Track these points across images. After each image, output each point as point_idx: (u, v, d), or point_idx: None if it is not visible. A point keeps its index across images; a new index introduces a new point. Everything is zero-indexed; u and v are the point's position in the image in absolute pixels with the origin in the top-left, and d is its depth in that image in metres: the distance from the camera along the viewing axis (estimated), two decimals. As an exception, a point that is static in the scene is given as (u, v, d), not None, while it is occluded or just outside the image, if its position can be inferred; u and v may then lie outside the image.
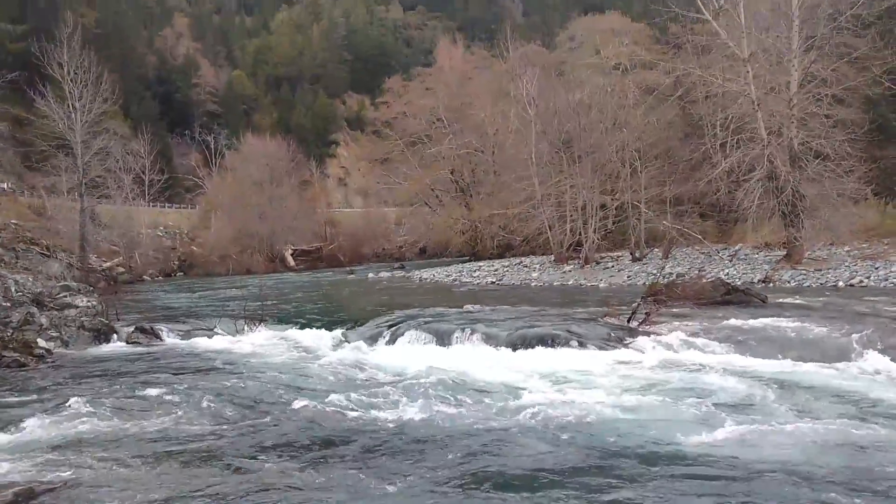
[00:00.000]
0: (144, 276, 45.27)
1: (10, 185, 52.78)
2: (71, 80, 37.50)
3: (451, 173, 47.44)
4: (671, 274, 24.77)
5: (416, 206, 51.89)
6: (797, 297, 18.66)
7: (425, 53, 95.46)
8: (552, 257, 33.92)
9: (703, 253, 30.16)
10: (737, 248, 29.81)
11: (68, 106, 37.78)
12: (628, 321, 15.60)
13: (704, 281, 19.01)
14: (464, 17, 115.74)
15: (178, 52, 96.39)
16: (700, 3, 26.94)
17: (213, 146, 72.31)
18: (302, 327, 18.20)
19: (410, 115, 50.97)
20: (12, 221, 37.31)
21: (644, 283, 24.17)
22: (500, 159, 43.18)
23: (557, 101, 34.16)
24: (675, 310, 16.28)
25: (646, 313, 15.57)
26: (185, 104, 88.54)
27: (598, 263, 31.24)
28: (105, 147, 40.95)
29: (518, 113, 38.12)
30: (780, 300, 17.91)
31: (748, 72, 25.08)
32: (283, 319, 19.80)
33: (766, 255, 27.41)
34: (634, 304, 16.21)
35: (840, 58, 25.26)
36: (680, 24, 34.50)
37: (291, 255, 55.87)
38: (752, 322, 14.43)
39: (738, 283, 21.28)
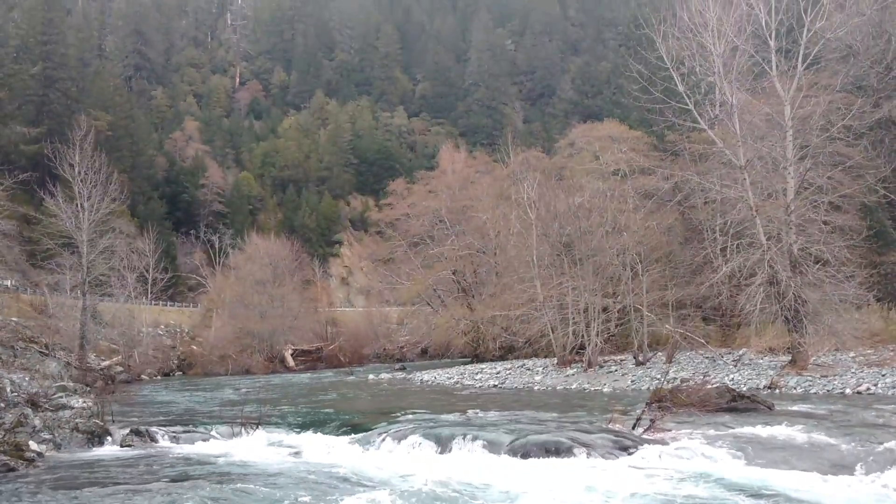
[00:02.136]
0: (143, 375, 44.70)
1: (13, 283, 52.97)
2: (81, 181, 38.29)
3: (454, 274, 47.62)
4: (675, 379, 24.44)
5: (417, 305, 51.80)
6: (804, 404, 18.35)
7: (428, 157, 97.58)
8: (555, 360, 33.59)
9: (706, 357, 29.86)
10: (741, 352, 29.53)
11: (76, 205, 38.43)
12: (633, 428, 15.29)
13: (709, 387, 18.74)
14: (466, 124, 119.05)
15: (187, 154, 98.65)
16: (696, 113, 27.77)
17: (217, 245, 72.98)
18: (299, 431, 17.84)
19: (413, 216, 51.63)
20: (12, 319, 37.21)
21: (648, 388, 23.85)
22: (502, 260, 43.45)
23: (558, 204, 34.69)
24: (680, 416, 15.99)
25: (651, 420, 15.28)
26: (191, 204, 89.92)
27: (601, 367, 30.91)
28: (110, 246, 41.39)
29: (519, 216, 38.63)
30: (787, 407, 17.61)
31: (745, 179, 25.58)
32: (280, 423, 19.43)
33: (771, 361, 27.12)
34: (639, 411, 15.94)
35: (834, 166, 25.84)
36: (677, 133, 35.48)
37: (291, 355, 55.35)
38: (759, 431, 14.14)
39: (744, 388, 20.99)
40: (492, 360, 40.51)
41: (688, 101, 27.61)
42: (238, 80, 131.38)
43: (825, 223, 24.99)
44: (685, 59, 28.69)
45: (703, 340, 31.06)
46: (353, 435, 16.75)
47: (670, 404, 16.46)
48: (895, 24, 30.87)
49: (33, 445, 15.54)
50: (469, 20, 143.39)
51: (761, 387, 22.76)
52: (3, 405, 16.71)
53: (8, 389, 18.02)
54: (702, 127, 28.17)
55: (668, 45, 28.18)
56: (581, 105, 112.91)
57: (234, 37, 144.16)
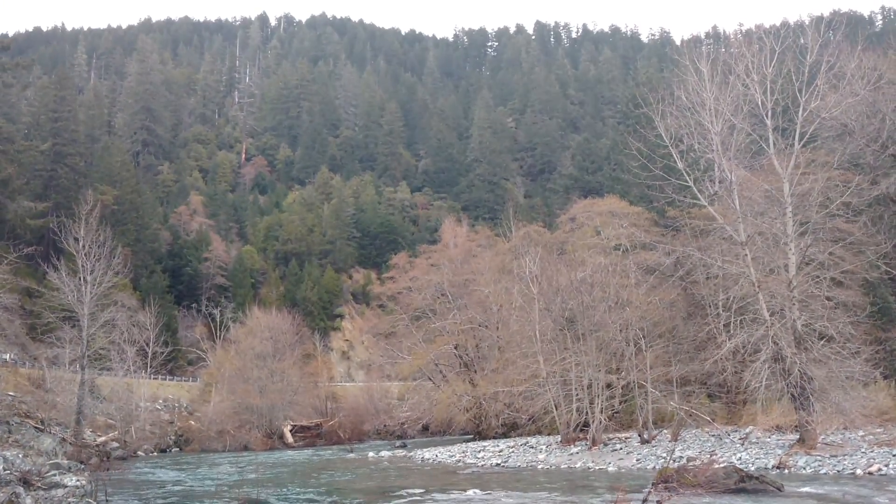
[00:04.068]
0: (139, 452, 43.84)
1: (12, 357, 52.59)
2: (85, 254, 38.36)
3: (455, 348, 47.23)
4: (681, 458, 23.96)
5: (419, 381, 51.15)
6: (815, 485, 17.90)
7: (431, 231, 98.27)
8: (559, 437, 33.00)
9: (712, 435, 29.32)
10: (748, 430, 29.00)
11: (79, 279, 38.42)
12: (640, 510, 14.89)
13: (716, 466, 18.38)
14: (468, 199, 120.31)
15: (192, 228, 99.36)
16: (696, 190, 28.06)
17: (218, 319, 72.72)
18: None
19: (415, 289, 51.58)
20: (9, 394, 36.81)
21: (654, 467, 23.33)
22: (505, 335, 43.17)
23: (560, 279, 34.68)
24: (687, 497, 15.59)
25: (658, 501, 14.91)
26: (194, 277, 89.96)
27: (605, 445, 30.33)
28: (111, 319, 41.25)
29: (521, 290, 38.60)
30: (797, 489, 17.19)
31: (746, 254, 25.65)
32: (278, 502, 18.94)
33: (779, 439, 26.62)
34: (645, 492, 15.55)
35: (835, 242, 25.95)
36: (677, 208, 35.78)
37: (290, 431, 54.42)
38: (770, 514, 13.75)
39: (752, 468, 20.52)
40: (494, 438, 39.80)
41: (687, 177, 27.94)
42: (244, 155, 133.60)
43: (828, 299, 24.94)
44: (684, 137, 29.18)
45: (708, 418, 30.58)
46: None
47: (677, 485, 16.09)
48: (888, 103, 31.50)
49: (23, 526, 15.13)
50: (471, 99, 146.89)
51: (770, 467, 22.26)
52: (-6, 484, 16.35)
53: (0, 467, 17.68)
54: (702, 203, 28.42)
55: (667, 124, 28.73)
56: (581, 181, 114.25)
57: (241, 114, 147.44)
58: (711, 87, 27.52)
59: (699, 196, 28.20)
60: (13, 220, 67.50)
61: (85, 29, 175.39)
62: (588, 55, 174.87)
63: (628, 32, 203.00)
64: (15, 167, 68.21)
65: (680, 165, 28.09)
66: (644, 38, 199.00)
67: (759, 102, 26.37)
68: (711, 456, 24.02)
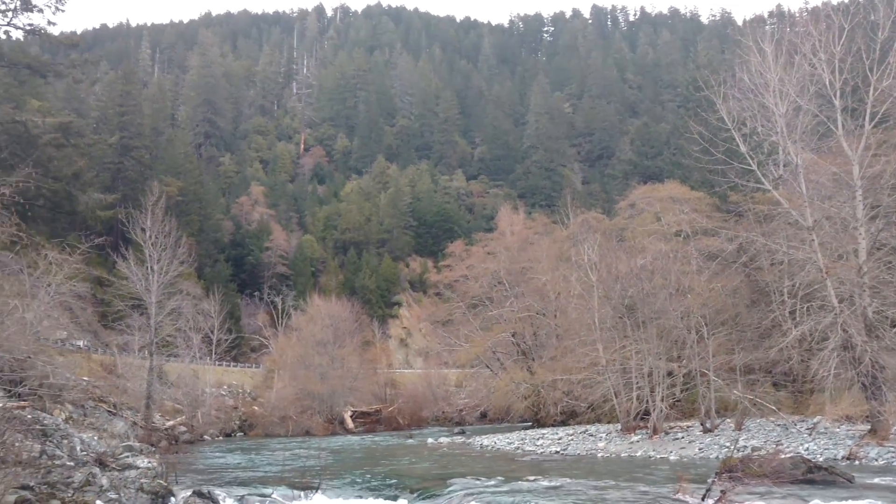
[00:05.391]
0: (205, 436, 45.18)
1: (85, 343, 54.69)
2: (151, 244, 39.53)
3: (513, 336, 47.18)
4: (745, 447, 23.51)
5: (476, 368, 51.32)
6: (887, 477, 17.37)
7: (487, 219, 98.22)
8: (619, 426, 32.73)
9: (778, 425, 28.67)
10: (815, 420, 28.26)
11: (147, 268, 39.60)
12: (703, 499, 14.71)
13: (783, 457, 17.97)
14: (524, 186, 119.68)
15: (253, 218, 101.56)
16: (760, 174, 27.34)
17: (280, 307, 74.18)
18: (358, 496, 17.69)
19: (472, 277, 51.64)
20: (84, 379, 38.32)
21: (717, 457, 22.98)
22: (563, 323, 42.91)
23: (619, 266, 34.26)
24: (752, 487, 15.31)
25: (722, 491, 14.69)
26: (256, 266, 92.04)
27: (667, 434, 29.96)
28: (177, 307, 42.46)
29: (580, 277, 38.26)
30: (869, 480, 16.71)
31: (813, 239, 24.90)
32: (340, 487, 19.31)
33: (849, 430, 25.87)
34: (709, 481, 15.33)
35: (908, 226, 24.96)
36: (740, 193, 34.92)
37: (351, 416, 55.31)
38: (840, 506, 13.43)
39: (820, 459, 20.02)
40: (553, 426, 39.71)
41: (751, 161, 27.24)
42: (303, 146, 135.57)
43: (901, 285, 24.04)
44: (746, 120, 28.40)
45: (773, 407, 29.86)
46: (413, 503, 16.52)
47: (741, 475, 15.79)
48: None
49: (99, 505, 15.77)
50: (527, 85, 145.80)
51: (839, 457, 21.69)
52: (72, 464, 17.08)
53: (78, 448, 18.46)
54: (766, 187, 27.68)
55: (729, 106, 28.03)
56: (640, 166, 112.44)
57: (300, 105, 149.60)
58: (776, 68, 26.71)
59: (763, 180, 27.48)
60: (84, 212, 69.95)
61: (149, 24, 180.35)
62: (646, 38, 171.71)
63: (688, 14, 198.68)
64: (85, 160, 70.58)
65: (743, 149, 27.39)
66: (704, 19, 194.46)
67: (827, 82, 25.47)
68: (777, 446, 23.53)
